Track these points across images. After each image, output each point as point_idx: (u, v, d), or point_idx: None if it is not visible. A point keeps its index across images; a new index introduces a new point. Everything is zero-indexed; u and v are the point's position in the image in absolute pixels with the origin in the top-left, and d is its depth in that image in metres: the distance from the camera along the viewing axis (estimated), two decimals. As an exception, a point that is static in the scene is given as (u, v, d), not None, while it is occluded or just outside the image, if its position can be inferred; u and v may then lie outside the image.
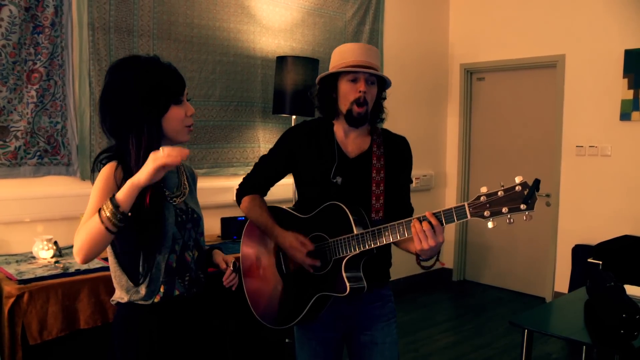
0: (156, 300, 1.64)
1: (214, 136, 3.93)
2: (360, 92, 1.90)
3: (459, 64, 5.75)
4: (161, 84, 1.59)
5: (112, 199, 1.44)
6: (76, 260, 1.50)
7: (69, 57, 3.19)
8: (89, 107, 3.29)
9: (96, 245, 1.47)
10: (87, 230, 1.47)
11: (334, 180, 1.96)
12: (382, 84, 2.01)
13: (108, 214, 1.43)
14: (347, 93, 1.93)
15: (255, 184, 2.12)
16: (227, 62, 3.96)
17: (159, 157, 1.42)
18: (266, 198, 2.17)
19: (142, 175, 1.43)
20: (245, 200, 2.11)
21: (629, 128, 4.56)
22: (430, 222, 1.68)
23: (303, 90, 3.76)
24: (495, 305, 5.16)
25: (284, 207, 2.11)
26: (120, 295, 1.66)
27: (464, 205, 1.65)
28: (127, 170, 1.57)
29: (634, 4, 4.52)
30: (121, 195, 1.44)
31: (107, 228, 1.44)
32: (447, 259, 5.84)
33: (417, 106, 5.47)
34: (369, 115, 1.97)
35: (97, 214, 1.45)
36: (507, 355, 3.95)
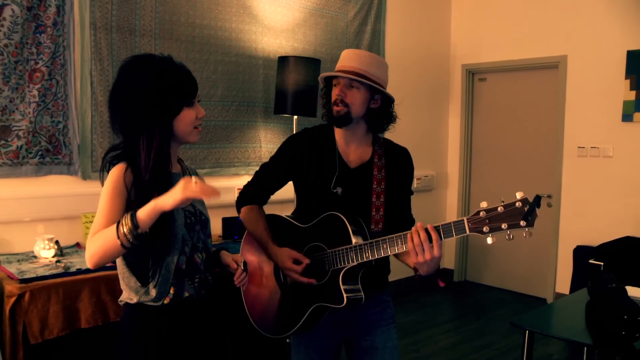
0: (166, 302, 1.63)
1: (216, 136, 3.93)
2: (337, 95, 1.93)
3: (461, 65, 5.74)
4: (175, 86, 1.59)
5: (133, 217, 1.44)
6: (87, 264, 1.52)
7: (71, 57, 3.20)
8: (91, 106, 3.30)
9: (109, 256, 1.49)
10: (102, 240, 1.47)
11: (334, 191, 1.95)
12: (382, 92, 1.97)
13: (125, 231, 1.43)
14: (331, 97, 1.97)
15: (255, 193, 2.12)
16: (228, 62, 3.96)
17: (192, 190, 1.40)
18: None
19: (169, 202, 1.42)
20: (244, 210, 2.11)
21: (631, 129, 4.55)
22: (428, 234, 1.67)
23: (305, 91, 3.76)
24: (496, 306, 5.16)
25: (283, 215, 2.10)
26: (128, 296, 1.65)
27: (463, 220, 1.64)
28: (137, 172, 1.56)
29: (636, 5, 4.51)
30: (143, 215, 1.44)
31: (122, 243, 1.44)
32: (448, 260, 5.84)
33: (418, 107, 5.47)
34: (352, 118, 1.94)
35: (114, 227, 1.45)
36: (508, 356, 3.94)
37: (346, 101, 1.92)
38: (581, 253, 4.56)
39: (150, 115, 1.56)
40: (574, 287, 4.48)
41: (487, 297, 5.43)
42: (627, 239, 4.40)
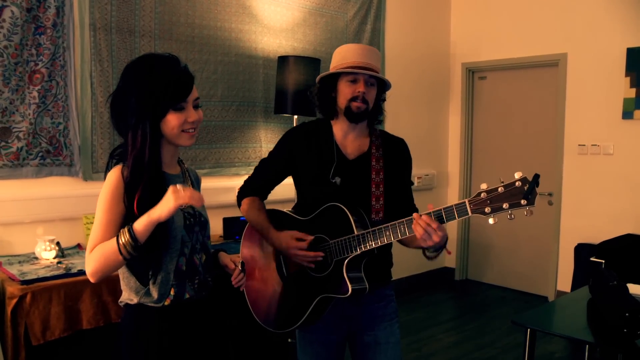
0: (166, 303, 1.64)
1: (216, 136, 3.93)
2: (359, 92, 1.92)
3: (461, 63, 5.74)
4: (159, 88, 1.56)
5: (131, 230, 1.48)
6: (90, 279, 1.55)
7: (70, 58, 3.20)
8: (91, 107, 3.30)
9: (111, 269, 1.54)
10: (103, 255, 1.51)
11: (333, 181, 1.96)
12: (382, 85, 2.02)
13: (125, 243, 1.48)
14: (346, 93, 1.95)
15: (256, 186, 2.13)
16: (228, 62, 3.96)
17: (180, 197, 1.45)
18: (268, 198, 2.17)
19: (163, 213, 1.47)
20: (245, 202, 2.12)
21: (631, 127, 4.55)
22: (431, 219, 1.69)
23: (305, 90, 3.74)
24: (497, 304, 5.16)
25: (283, 209, 2.10)
26: (129, 297, 1.66)
27: (464, 202, 1.66)
28: None
29: (635, 3, 4.51)
30: (140, 227, 1.48)
31: (123, 257, 1.49)
32: (450, 259, 5.83)
33: (418, 105, 5.47)
34: (369, 114, 1.99)
35: (114, 240, 1.49)
36: (509, 355, 3.94)
37: (367, 98, 1.94)
38: (582, 251, 4.56)
39: (133, 116, 1.56)
40: (576, 285, 4.48)
41: (489, 295, 5.43)
42: (628, 237, 4.40)
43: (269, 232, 2.01)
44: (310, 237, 1.93)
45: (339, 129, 2.03)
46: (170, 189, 1.47)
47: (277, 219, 2.07)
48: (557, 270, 5.08)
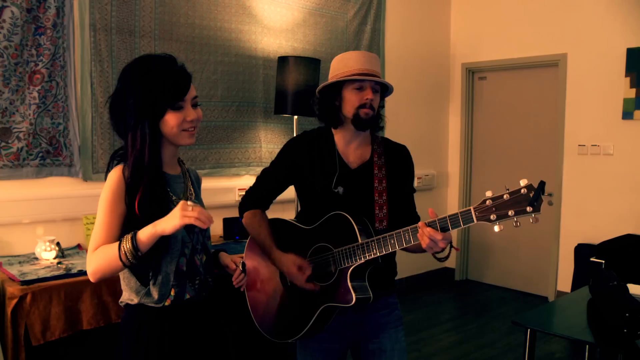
0: (167, 303, 1.64)
1: (216, 136, 3.93)
2: (367, 99, 1.91)
3: (461, 63, 5.74)
4: (157, 88, 1.56)
5: (134, 239, 1.49)
6: (90, 279, 1.57)
7: (70, 58, 3.20)
8: (91, 107, 3.30)
9: (111, 272, 1.55)
10: (104, 257, 1.53)
11: (336, 190, 1.95)
12: (383, 91, 2.01)
13: (126, 251, 1.49)
14: (353, 101, 1.92)
15: (257, 197, 2.12)
16: (228, 63, 3.96)
17: (188, 216, 1.45)
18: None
19: (167, 228, 1.48)
20: (247, 215, 2.11)
21: (632, 127, 4.55)
22: (435, 227, 1.69)
23: (305, 91, 3.76)
24: (498, 304, 5.16)
25: (286, 218, 2.10)
26: (129, 297, 1.66)
27: (470, 209, 1.65)
28: None
29: (635, 3, 4.51)
30: (143, 237, 1.49)
31: (123, 263, 1.50)
32: (450, 258, 5.81)
33: (418, 106, 5.47)
34: (374, 121, 1.98)
35: (116, 246, 1.51)
36: (510, 355, 3.94)
37: (373, 105, 1.93)
38: (582, 251, 4.56)
39: (131, 117, 1.57)
40: (576, 285, 4.48)
41: (489, 295, 5.43)
42: (628, 237, 4.40)
43: (271, 252, 2.01)
44: (309, 272, 1.92)
45: (341, 137, 2.01)
46: (180, 205, 1.47)
47: (280, 228, 2.06)
48: (557, 270, 5.08)
